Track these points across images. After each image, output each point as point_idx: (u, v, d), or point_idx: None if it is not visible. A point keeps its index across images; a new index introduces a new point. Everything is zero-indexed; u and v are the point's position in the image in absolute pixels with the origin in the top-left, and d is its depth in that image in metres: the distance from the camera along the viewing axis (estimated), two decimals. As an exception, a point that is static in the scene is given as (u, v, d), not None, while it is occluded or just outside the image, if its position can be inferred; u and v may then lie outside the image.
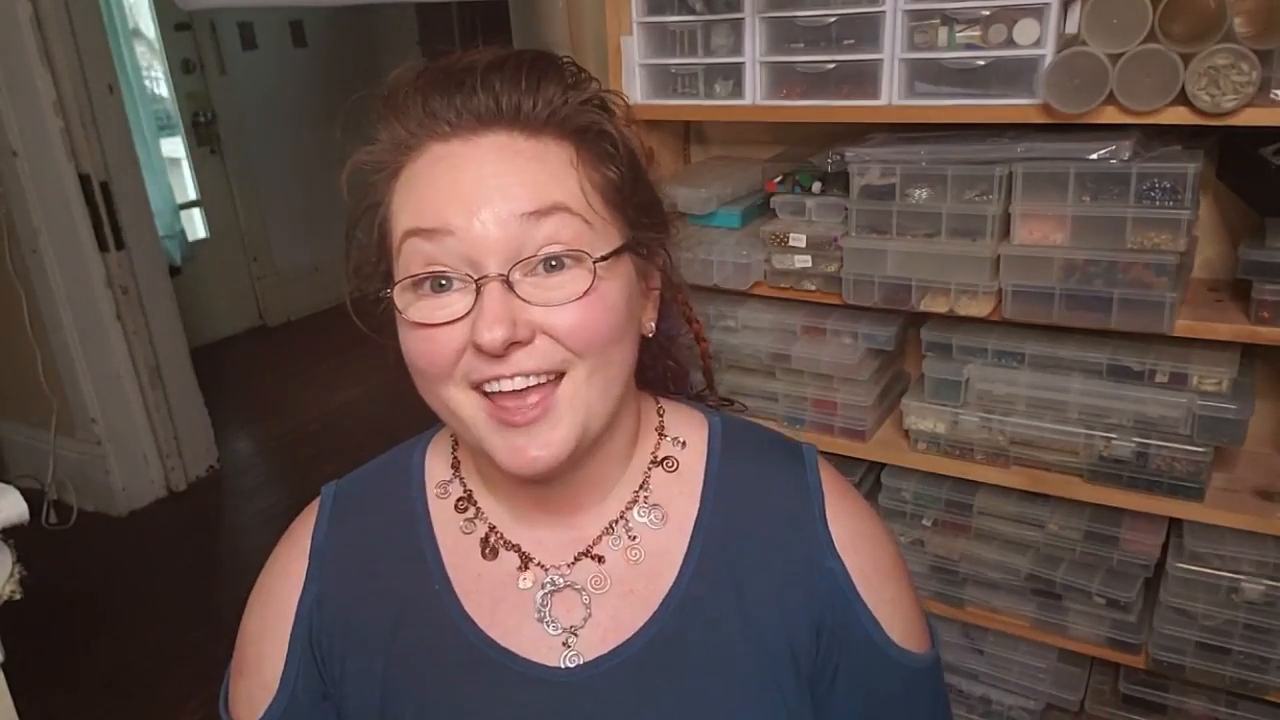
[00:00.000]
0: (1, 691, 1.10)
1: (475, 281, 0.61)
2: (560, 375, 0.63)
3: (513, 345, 0.60)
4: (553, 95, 0.63)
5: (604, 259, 0.63)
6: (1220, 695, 1.47)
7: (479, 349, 0.60)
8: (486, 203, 0.60)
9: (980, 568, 1.55)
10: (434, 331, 0.62)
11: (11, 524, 1.06)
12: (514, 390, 0.62)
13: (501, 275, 0.60)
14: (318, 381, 4.09)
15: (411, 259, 0.63)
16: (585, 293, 0.61)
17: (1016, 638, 1.60)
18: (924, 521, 1.59)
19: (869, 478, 1.68)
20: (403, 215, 0.64)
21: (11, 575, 1.08)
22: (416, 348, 0.64)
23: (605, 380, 0.64)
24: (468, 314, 0.61)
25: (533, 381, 0.62)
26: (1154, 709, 1.53)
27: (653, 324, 0.72)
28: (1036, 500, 1.49)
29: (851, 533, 0.73)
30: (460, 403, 0.64)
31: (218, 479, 3.28)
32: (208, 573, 2.77)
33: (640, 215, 0.68)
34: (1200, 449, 1.31)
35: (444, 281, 0.62)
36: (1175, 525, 1.41)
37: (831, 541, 0.72)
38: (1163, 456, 1.33)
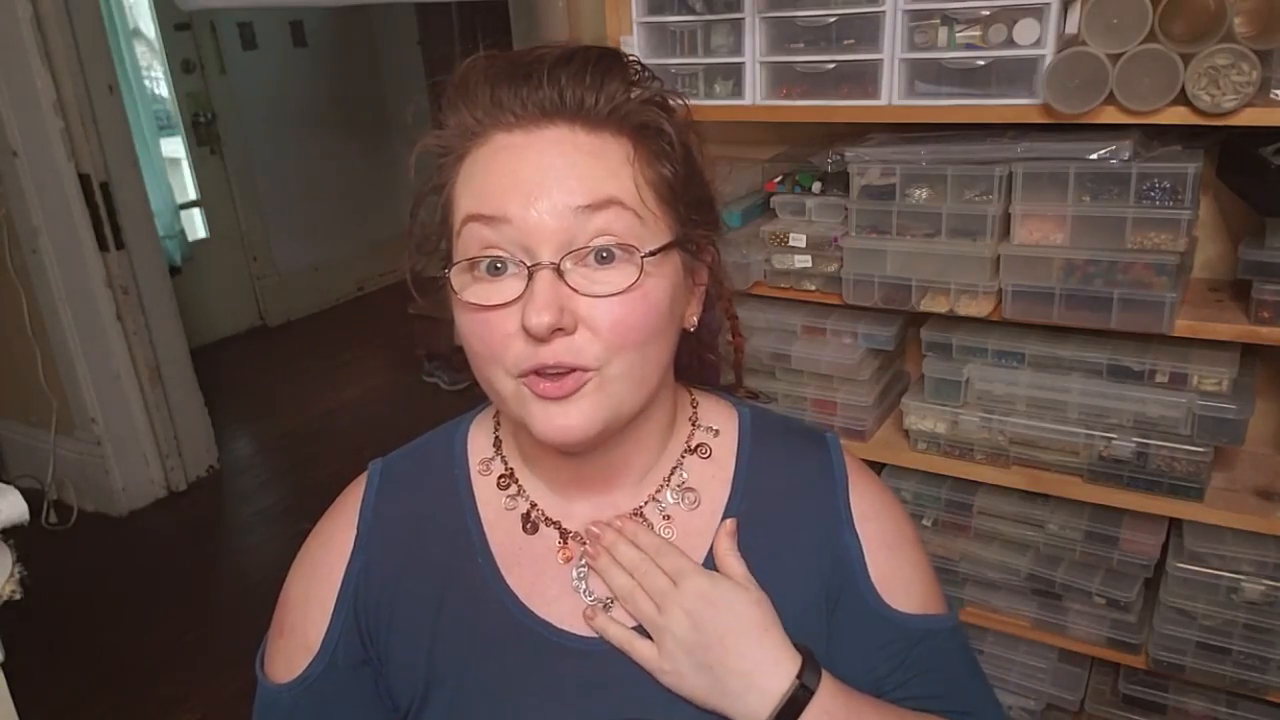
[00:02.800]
0: (1, 691, 1.10)
1: (528, 268, 0.63)
2: (596, 369, 0.65)
3: (557, 332, 0.63)
4: (615, 91, 0.66)
5: (652, 254, 0.65)
6: (1220, 695, 1.47)
7: (526, 332, 0.63)
8: (544, 194, 0.63)
9: (980, 568, 1.55)
10: (487, 315, 0.65)
11: (11, 524, 1.06)
12: (555, 372, 0.65)
13: (553, 263, 0.63)
14: (318, 381, 4.10)
15: (470, 242, 0.66)
16: (631, 286, 0.64)
17: (1016, 638, 1.60)
18: (924, 521, 1.59)
19: (869, 478, 1.68)
20: (465, 200, 0.67)
21: (11, 575, 1.08)
22: (471, 329, 0.67)
23: (640, 376, 0.67)
24: (518, 299, 0.64)
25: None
26: (1154, 709, 1.53)
27: (696, 318, 0.75)
28: (1036, 500, 1.49)
29: (868, 508, 0.77)
30: (505, 383, 0.67)
31: (218, 479, 3.28)
32: (208, 573, 2.77)
33: (691, 212, 0.71)
34: (1200, 449, 1.31)
35: (499, 265, 0.65)
36: (1175, 525, 1.41)
37: (852, 518, 0.76)
38: (1163, 456, 1.33)
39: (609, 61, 0.67)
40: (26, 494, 1.08)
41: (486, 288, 0.65)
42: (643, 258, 0.65)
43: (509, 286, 0.64)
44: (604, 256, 0.64)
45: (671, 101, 0.71)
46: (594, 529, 0.74)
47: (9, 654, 1.08)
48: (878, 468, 1.61)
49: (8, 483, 1.10)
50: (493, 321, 0.65)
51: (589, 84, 0.65)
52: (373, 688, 0.76)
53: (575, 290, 0.63)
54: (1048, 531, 1.48)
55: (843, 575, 0.75)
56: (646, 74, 0.70)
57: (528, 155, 0.65)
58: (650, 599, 0.71)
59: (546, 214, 0.63)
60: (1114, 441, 1.36)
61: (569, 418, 0.65)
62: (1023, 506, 1.50)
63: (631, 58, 0.70)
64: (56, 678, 2.28)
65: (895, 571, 0.76)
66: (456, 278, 0.67)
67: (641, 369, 0.67)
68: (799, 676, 0.68)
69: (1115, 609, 1.45)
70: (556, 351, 0.63)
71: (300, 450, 3.46)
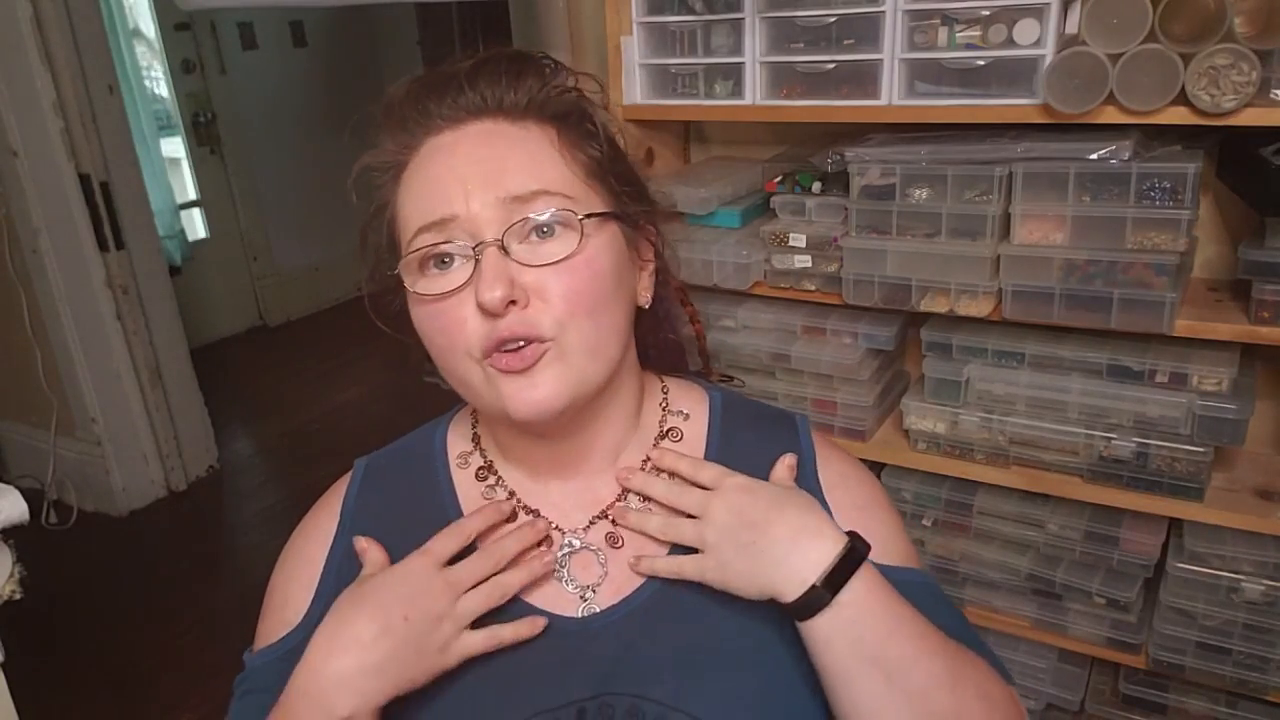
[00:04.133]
0: (1, 691, 1.10)
1: (473, 249, 0.67)
2: (553, 339, 0.68)
3: (510, 305, 0.66)
4: (531, 85, 0.71)
5: (589, 217, 0.69)
6: (1220, 695, 1.47)
7: (481, 309, 0.66)
8: (479, 186, 0.67)
9: (980, 568, 1.55)
10: (442, 304, 0.68)
11: (11, 524, 1.06)
12: (515, 347, 0.67)
13: (497, 240, 0.67)
14: (318, 381, 4.10)
15: (420, 247, 0.69)
16: (573, 253, 0.68)
17: (1016, 638, 1.60)
18: (924, 521, 1.59)
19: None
20: (410, 213, 0.71)
21: (11, 575, 1.08)
22: (429, 322, 0.70)
23: (595, 344, 0.70)
24: (468, 282, 0.67)
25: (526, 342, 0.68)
26: (1154, 709, 1.53)
27: (649, 294, 0.78)
28: (1036, 500, 1.49)
29: (834, 476, 0.80)
30: (471, 371, 0.69)
31: (218, 479, 3.28)
32: (208, 573, 2.77)
33: (623, 186, 0.75)
34: (1200, 449, 1.31)
35: (446, 259, 0.68)
36: (1175, 525, 1.41)
37: (820, 488, 0.78)
38: (1163, 456, 1.33)
39: (522, 61, 0.73)
40: (26, 494, 1.08)
41: (438, 279, 0.68)
42: (581, 220, 0.68)
43: (458, 274, 0.68)
44: (544, 231, 0.68)
45: (588, 93, 0.75)
46: (623, 473, 0.77)
47: (9, 654, 1.08)
48: (878, 468, 1.61)
49: (8, 483, 1.10)
50: (448, 309, 0.68)
51: (505, 83, 0.71)
52: None
53: (522, 264, 0.67)
54: (1048, 531, 1.48)
55: None
56: (559, 67, 0.75)
57: (458, 150, 0.69)
58: (687, 520, 0.73)
59: (485, 206, 0.67)
60: (1114, 441, 1.36)
61: (536, 390, 0.67)
62: (1023, 506, 1.50)
63: (542, 55, 0.75)
64: (56, 678, 2.28)
65: (868, 529, 0.74)
66: (407, 277, 0.70)
67: (596, 337, 0.69)
68: (850, 537, 0.69)
69: (1115, 609, 1.45)
70: (511, 324, 0.66)
71: (300, 450, 3.46)
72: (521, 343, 0.67)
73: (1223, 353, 1.31)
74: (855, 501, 0.79)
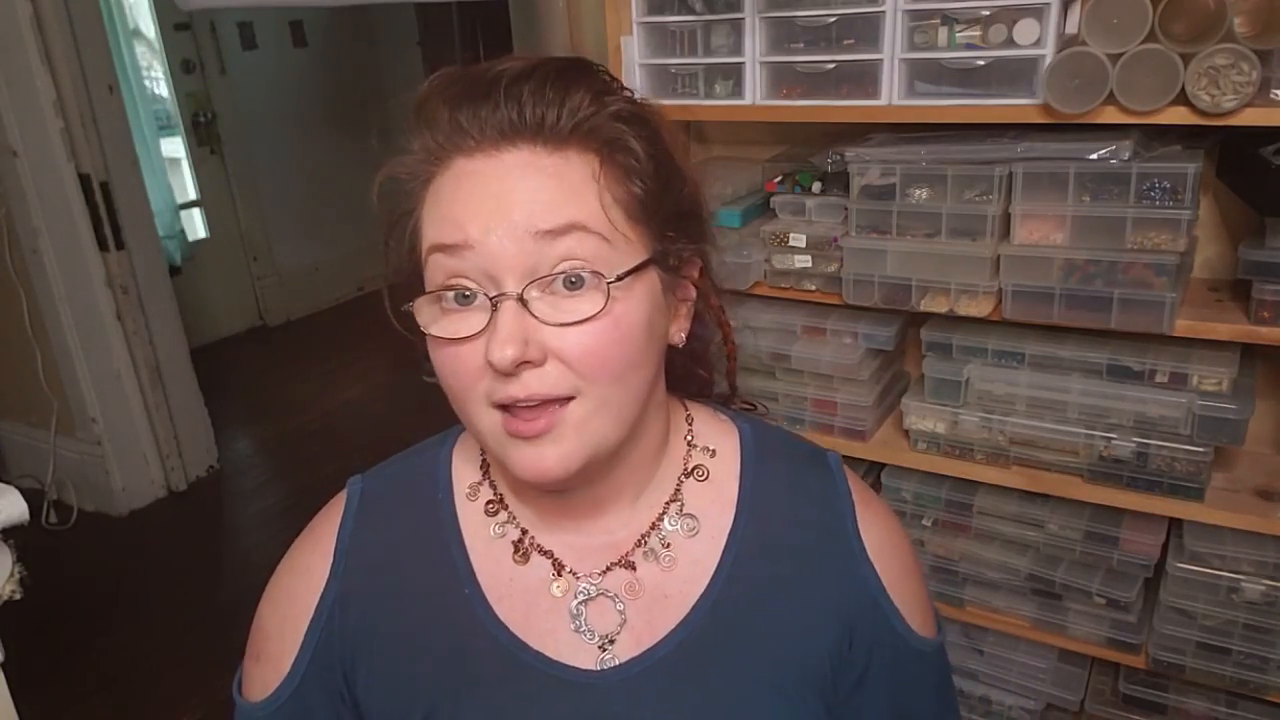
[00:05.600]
0: (1, 691, 1.10)
1: (491, 299, 0.61)
2: (569, 399, 0.62)
3: (524, 364, 0.60)
4: (579, 105, 0.63)
5: (620, 279, 0.62)
6: (1220, 695, 1.47)
7: (491, 366, 0.60)
8: (504, 219, 0.60)
9: (980, 568, 1.55)
10: (457, 349, 0.62)
11: (11, 524, 1.06)
12: (528, 405, 0.62)
13: (516, 293, 0.60)
14: (318, 381, 4.09)
15: (436, 273, 0.63)
16: (597, 314, 0.61)
17: (1016, 638, 1.60)
18: (924, 521, 1.59)
19: (869, 478, 1.68)
20: (429, 229, 0.64)
21: (11, 575, 1.08)
22: (443, 364, 0.64)
23: (618, 406, 0.64)
24: (484, 330, 0.61)
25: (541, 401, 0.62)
26: (1154, 709, 1.53)
27: (683, 335, 0.71)
28: (1036, 500, 1.49)
29: (881, 540, 0.75)
30: (482, 419, 0.64)
31: (218, 479, 3.28)
32: (208, 573, 2.77)
33: (669, 228, 0.67)
34: (1200, 449, 1.31)
35: (466, 294, 0.62)
36: (1175, 525, 1.41)
37: (865, 550, 0.74)
38: (1163, 456, 1.33)
39: (573, 74, 0.64)
40: (26, 494, 1.08)
41: (455, 319, 0.62)
42: (609, 284, 0.61)
43: (476, 318, 0.61)
44: (572, 282, 0.61)
45: (645, 111, 0.67)
46: None
47: (9, 654, 1.08)
48: (878, 468, 1.62)
49: (8, 483, 1.10)
50: (463, 355, 0.62)
51: (550, 99, 0.62)
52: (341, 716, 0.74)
53: (541, 321, 0.60)
54: (1048, 531, 1.48)
55: (868, 610, 0.73)
56: (615, 84, 0.67)
57: (488, 181, 0.62)
58: None
59: (507, 239, 0.60)
60: (1114, 441, 1.36)
61: (544, 460, 0.62)
62: (1023, 506, 1.50)
63: (600, 68, 0.67)
64: (56, 678, 2.28)
65: (914, 598, 0.75)
66: (423, 312, 0.64)
67: (620, 401, 0.64)
68: None
69: (1115, 609, 1.45)
70: (526, 384, 0.61)
71: (300, 450, 3.46)
72: (534, 401, 0.61)
73: (1223, 353, 1.31)
74: (904, 571, 0.76)
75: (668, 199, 0.67)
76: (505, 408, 0.63)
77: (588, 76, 0.65)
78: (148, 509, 3.08)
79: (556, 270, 0.61)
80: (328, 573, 0.74)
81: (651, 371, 0.67)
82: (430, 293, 0.63)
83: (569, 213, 0.61)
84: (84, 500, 3.07)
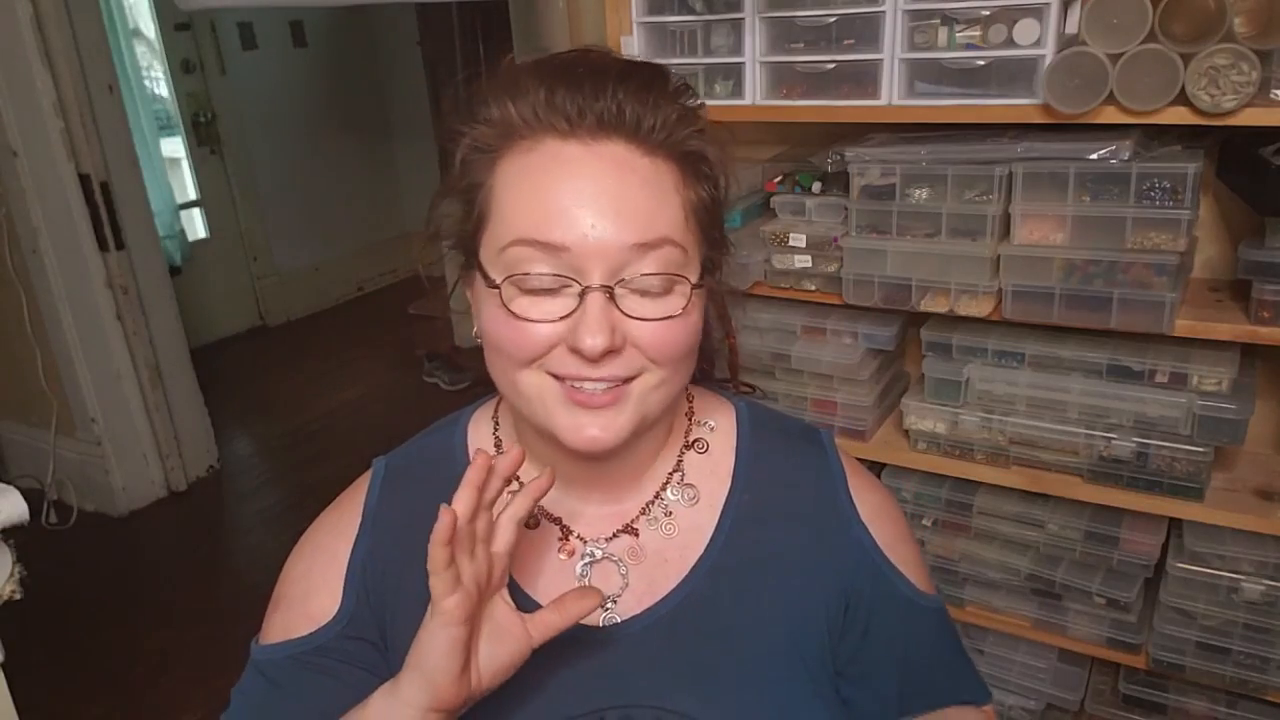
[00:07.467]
0: (1, 691, 1.10)
1: (582, 288, 0.64)
2: (634, 378, 0.67)
3: (608, 353, 0.64)
4: (670, 115, 0.66)
5: (698, 285, 0.68)
6: (1220, 695, 1.47)
7: (577, 352, 0.64)
8: (602, 224, 0.63)
9: (980, 568, 1.55)
10: (531, 325, 0.65)
11: (11, 524, 1.06)
12: (597, 385, 0.66)
13: (606, 286, 0.64)
14: (318, 381, 4.09)
15: (517, 260, 0.65)
16: (680, 314, 0.67)
17: (1016, 638, 1.60)
18: (924, 521, 1.59)
19: (869, 478, 1.68)
20: (514, 218, 0.65)
21: (11, 575, 1.08)
22: (507, 334, 0.66)
23: (671, 386, 0.70)
24: (566, 316, 0.65)
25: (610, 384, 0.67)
26: (1154, 709, 1.53)
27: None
28: (1036, 500, 1.49)
29: (874, 507, 0.80)
30: (530, 381, 0.68)
31: (218, 479, 3.28)
32: (208, 573, 2.77)
33: (716, 232, 0.73)
34: (1200, 449, 1.31)
35: (551, 286, 0.65)
36: (1175, 525, 1.41)
37: (858, 516, 0.78)
38: (1163, 456, 1.33)
39: (663, 82, 0.68)
40: (26, 494, 1.08)
41: (533, 301, 0.65)
42: (693, 288, 0.67)
43: (558, 304, 0.65)
44: (655, 287, 0.66)
45: (714, 125, 0.72)
46: None
47: (9, 654, 1.08)
48: (878, 468, 1.61)
49: (8, 483, 1.10)
50: (534, 331, 0.65)
51: (650, 104, 0.65)
52: (354, 675, 0.75)
53: (626, 314, 0.65)
54: (1048, 531, 1.48)
55: (866, 571, 0.77)
56: (691, 94, 0.70)
57: (583, 173, 0.64)
58: None
59: (606, 245, 0.63)
60: (1114, 441, 1.36)
61: (601, 430, 0.67)
62: (1023, 506, 1.50)
63: (682, 81, 0.70)
64: (56, 678, 2.28)
65: (910, 560, 0.80)
66: (503, 290, 0.66)
67: (675, 381, 0.70)
68: None
69: (1115, 609, 1.45)
70: (603, 368, 0.65)
71: (300, 450, 3.46)
72: (610, 382, 0.66)
73: (1223, 353, 1.31)
74: (898, 534, 0.80)
75: (719, 207, 0.73)
76: (559, 379, 0.67)
77: (676, 88, 0.69)
78: (148, 509, 3.08)
79: (647, 274, 0.65)
80: (356, 529, 0.78)
81: (695, 357, 0.73)
82: (511, 277, 0.65)
83: (661, 227, 0.65)
84: (84, 500, 3.07)
